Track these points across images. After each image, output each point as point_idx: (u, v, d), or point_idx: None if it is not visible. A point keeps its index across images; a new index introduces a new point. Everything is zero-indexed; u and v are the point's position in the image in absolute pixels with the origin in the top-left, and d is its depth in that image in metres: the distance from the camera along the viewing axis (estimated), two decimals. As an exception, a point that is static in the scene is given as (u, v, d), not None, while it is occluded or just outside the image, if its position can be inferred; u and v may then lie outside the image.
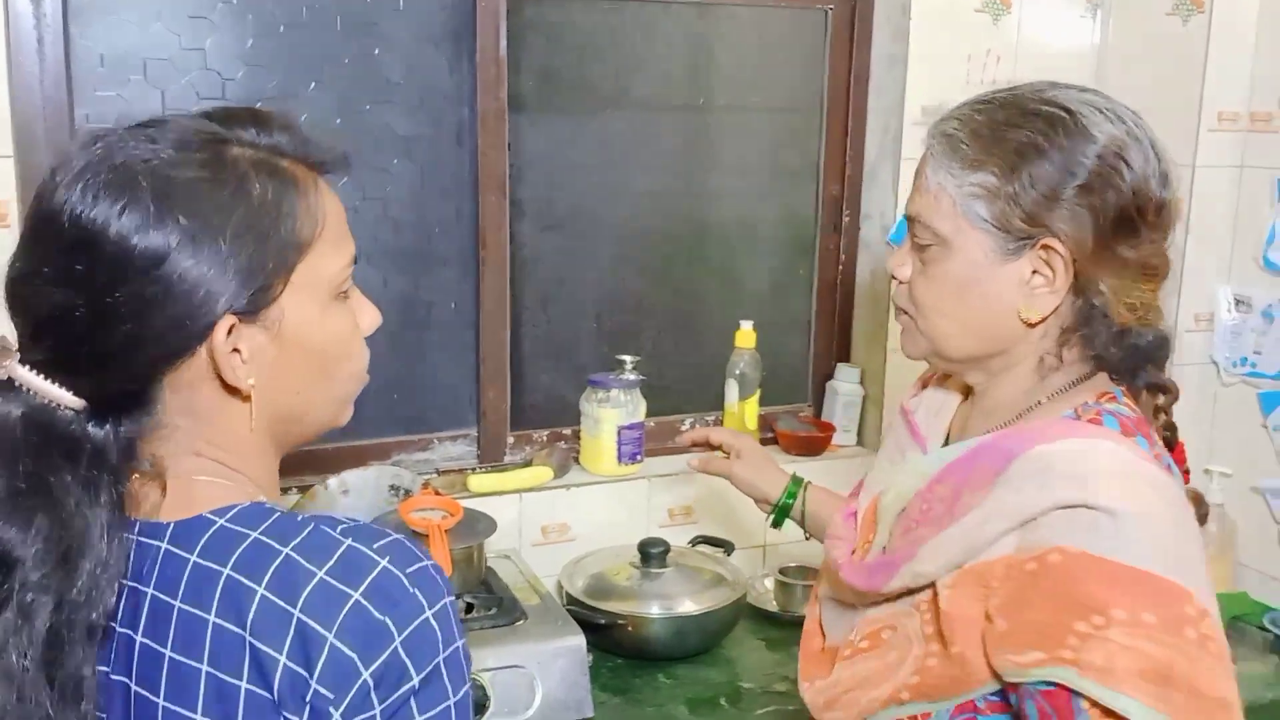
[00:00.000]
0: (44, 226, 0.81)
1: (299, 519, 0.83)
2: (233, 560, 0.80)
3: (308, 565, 0.79)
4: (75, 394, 0.82)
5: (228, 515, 0.84)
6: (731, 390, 2.18)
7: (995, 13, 2.24)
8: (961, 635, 1.00)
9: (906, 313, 1.16)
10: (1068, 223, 1.05)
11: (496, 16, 1.98)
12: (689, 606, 1.85)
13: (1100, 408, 1.07)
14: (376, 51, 1.95)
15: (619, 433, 2.07)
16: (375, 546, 0.81)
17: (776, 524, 1.63)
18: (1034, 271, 1.07)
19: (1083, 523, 0.95)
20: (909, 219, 1.13)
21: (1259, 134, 2.19)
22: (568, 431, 2.17)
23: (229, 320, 0.82)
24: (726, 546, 2.04)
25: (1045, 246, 1.05)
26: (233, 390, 0.85)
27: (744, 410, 2.18)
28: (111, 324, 0.80)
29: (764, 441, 2.24)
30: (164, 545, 0.83)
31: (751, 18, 2.24)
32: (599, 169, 2.17)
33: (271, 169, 0.84)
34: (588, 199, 2.17)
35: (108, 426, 0.83)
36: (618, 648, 1.84)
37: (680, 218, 2.27)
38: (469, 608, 1.75)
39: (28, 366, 0.81)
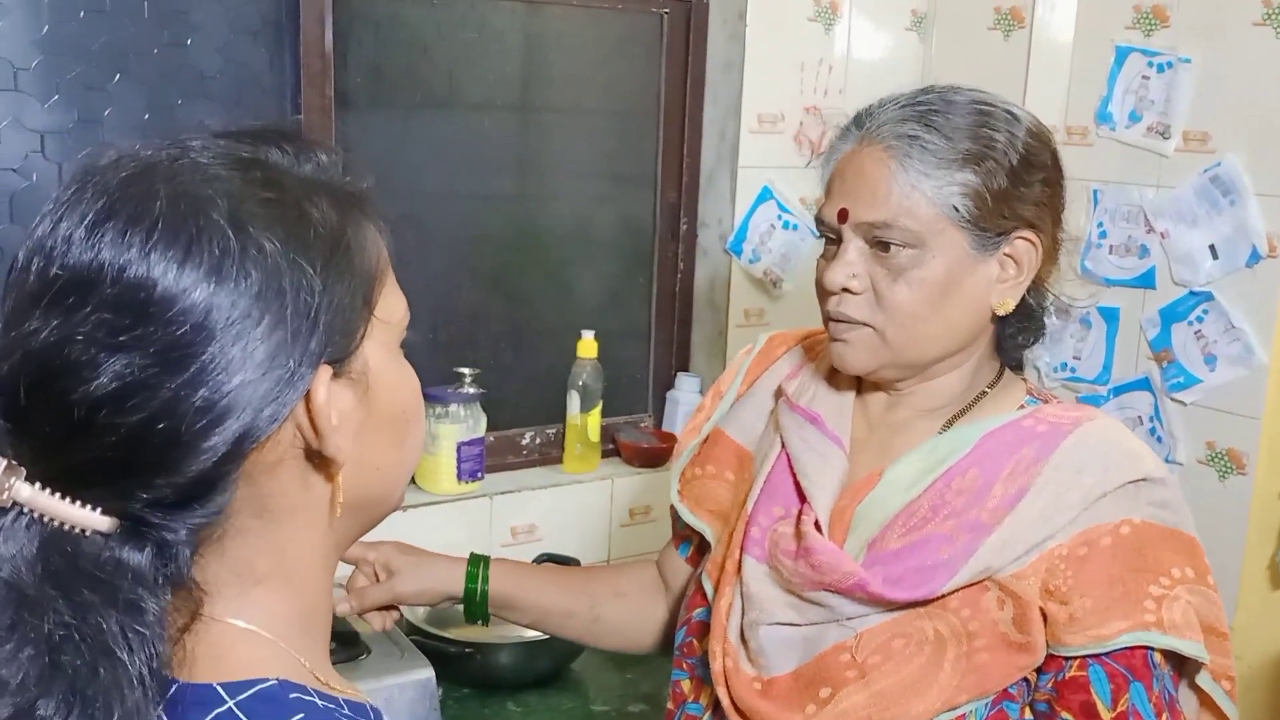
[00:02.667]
0: (72, 289, 0.58)
1: None
2: None
3: None
4: (106, 510, 0.59)
5: (243, 695, 0.63)
6: (573, 402, 2.12)
7: (827, 22, 2.25)
8: (1034, 621, 1.03)
9: (869, 325, 1.09)
10: (1037, 215, 1.09)
11: (321, 6, 1.86)
12: (538, 631, 1.77)
13: (1041, 389, 1.17)
14: (189, 42, 1.81)
15: (458, 449, 1.98)
16: None
17: (476, 618, 1.32)
18: (1001, 266, 1.09)
19: (1144, 495, 1.05)
20: (871, 225, 1.07)
21: (1075, 147, 2.27)
22: (402, 448, 2.05)
23: (327, 371, 0.63)
24: (572, 564, 1.97)
25: (1022, 239, 1.08)
26: (318, 466, 0.66)
27: (586, 422, 2.12)
28: (184, 398, 0.59)
29: (605, 454, 2.20)
30: (159, 711, 0.62)
31: (586, 19, 2.18)
32: (431, 171, 2.07)
33: (326, 192, 0.66)
34: (420, 203, 2.07)
35: (148, 548, 0.60)
36: (464, 677, 1.75)
37: (516, 223, 2.20)
38: (304, 643, 1.62)
39: (38, 484, 0.58)
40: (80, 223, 0.59)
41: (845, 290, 1.09)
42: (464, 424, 1.98)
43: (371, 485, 0.70)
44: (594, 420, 2.13)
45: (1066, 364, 2.29)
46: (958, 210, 1.05)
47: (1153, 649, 1.02)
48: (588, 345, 2.12)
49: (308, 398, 0.63)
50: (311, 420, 0.64)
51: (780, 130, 2.24)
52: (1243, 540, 2.01)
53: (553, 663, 1.79)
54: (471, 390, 2.00)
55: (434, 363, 2.08)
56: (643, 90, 2.26)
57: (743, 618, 1.14)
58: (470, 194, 2.13)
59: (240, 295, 0.60)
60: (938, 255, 1.06)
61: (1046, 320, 1.16)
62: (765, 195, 2.23)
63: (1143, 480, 1.05)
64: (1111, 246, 2.22)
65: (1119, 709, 1.02)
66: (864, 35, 2.30)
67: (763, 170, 2.23)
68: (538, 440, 2.20)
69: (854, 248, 1.09)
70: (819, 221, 1.13)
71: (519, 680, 1.76)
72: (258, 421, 0.60)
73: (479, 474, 2.02)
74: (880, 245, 1.07)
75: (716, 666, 1.14)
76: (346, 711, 0.65)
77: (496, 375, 2.13)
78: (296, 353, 0.61)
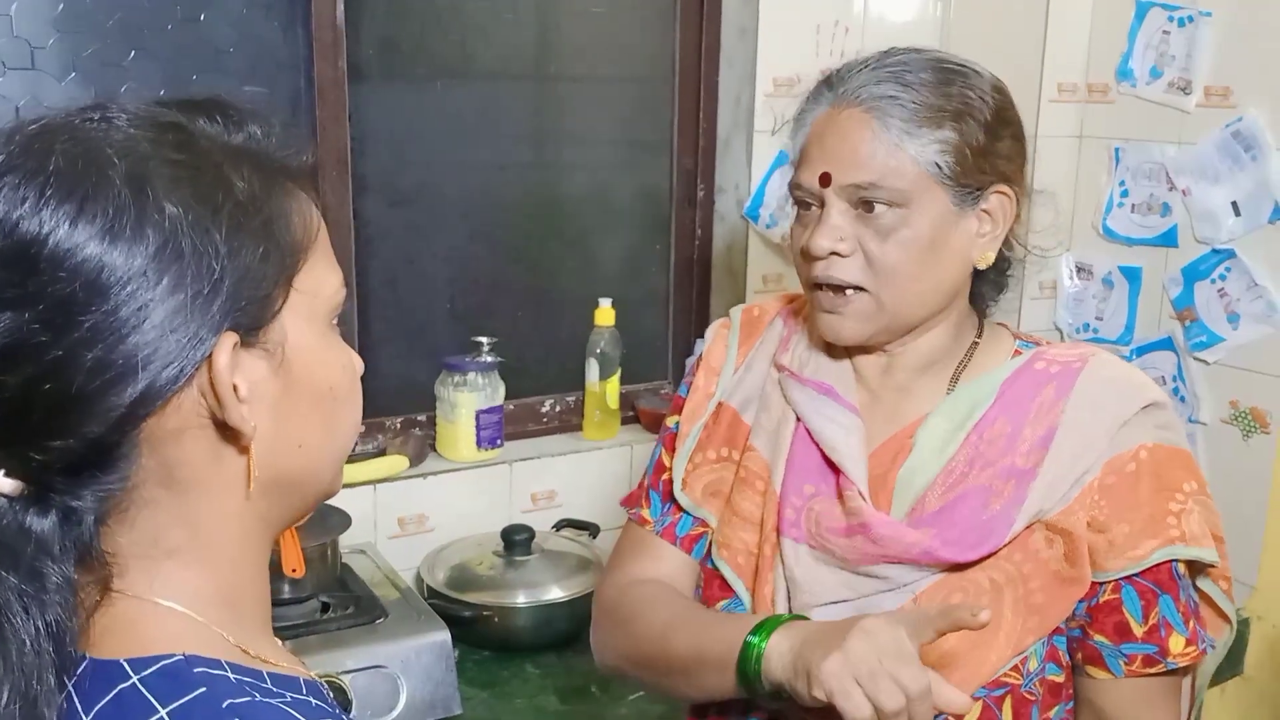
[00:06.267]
0: None
1: (225, 705, 0.61)
2: None
3: None
4: (9, 473, 0.60)
5: (147, 671, 0.62)
6: (592, 369, 2.13)
7: (843, -17, 2.23)
8: (1083, 554, 1.07)
9: (862, 288, 1.08)
10: (1009, 169, 1.10)
11: (332, -20, 1.88)
12: (555, 593, 1.80)
13: (1020, 331, 1.20)
14: (203, 17, 1.82)
15: (477, 417, 2.00)
16: None
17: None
18: (979, 221, 1.10)
19: (1151, 419, 1.09)
20: (857, 187, 1.06)
21: (1096, 104, 2.25)
22: (422, 417, 2.08)
23: (230, 338, 0.62)
24: (591, 529, 2.00)
25: (997, 193, 1.09)
26: (229, 438, 0.65)
27: (605, 389, 2.13)
28: (74, 358, 0.58)
29: (625, 421, 2.21)
30: (69, 686, 0.62)
31: (599, -15, 2.18)
32: (446, 141, 2.08)
33: (253, 162, 0.66)
34: (435, 173, 2.08)
35: (52, 515, 0.61)
36: (483, 640, 1.78)
37: (533, 192, 2.20)
38: (324, 607, 1.65)
39: None
40: None
41: (834, 254, 1.08)
42: (482, 392, 2.00)
43: (293, 463, 0.68)
44: (613, 387, 2.14)
45: (1089, 324, 2.28)
46: (940, 168, 1.05)
47: (1177, 561, 1.07)
48: (605, 313, 2.13)
49: (211, 364, 0.62)
50: (214, 387, 0.63)
51: (796, 94, 2.21)
52: (1266, 499, 2.00)
53: (570, 624, 1.81)
54: (489, 359, 2.02)
55: (452, 332, 2.11)
56: (657, 56, 2.25)
57: (789, 603, 1.12)
58: (486, 163, 2.13)
59: (135, 255, 0.59)
60: (923, 213, 1.06)
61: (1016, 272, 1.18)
62: (782, 160, 2.22)
63: (1151, 405, 1.09)
64: (1133, 205, 2.20)
65: (1150, 622, 1.07)
66: (881, -5, 2.27)
67: (779, 135, 2.21)
68: (557, 408, 2.22)
69: (837, 210, 1.08)
70: (795, 187, 1.12)
71: (537, 642, 1.79)
72: (154, 384, 0.60)
73: (498, 441, 2.03)
74: (865, 205, 1.07)
75: None
76: (267, 684, 0.65)
77: (515, 344, 2.14)
78: (197, 317, 0.61)
